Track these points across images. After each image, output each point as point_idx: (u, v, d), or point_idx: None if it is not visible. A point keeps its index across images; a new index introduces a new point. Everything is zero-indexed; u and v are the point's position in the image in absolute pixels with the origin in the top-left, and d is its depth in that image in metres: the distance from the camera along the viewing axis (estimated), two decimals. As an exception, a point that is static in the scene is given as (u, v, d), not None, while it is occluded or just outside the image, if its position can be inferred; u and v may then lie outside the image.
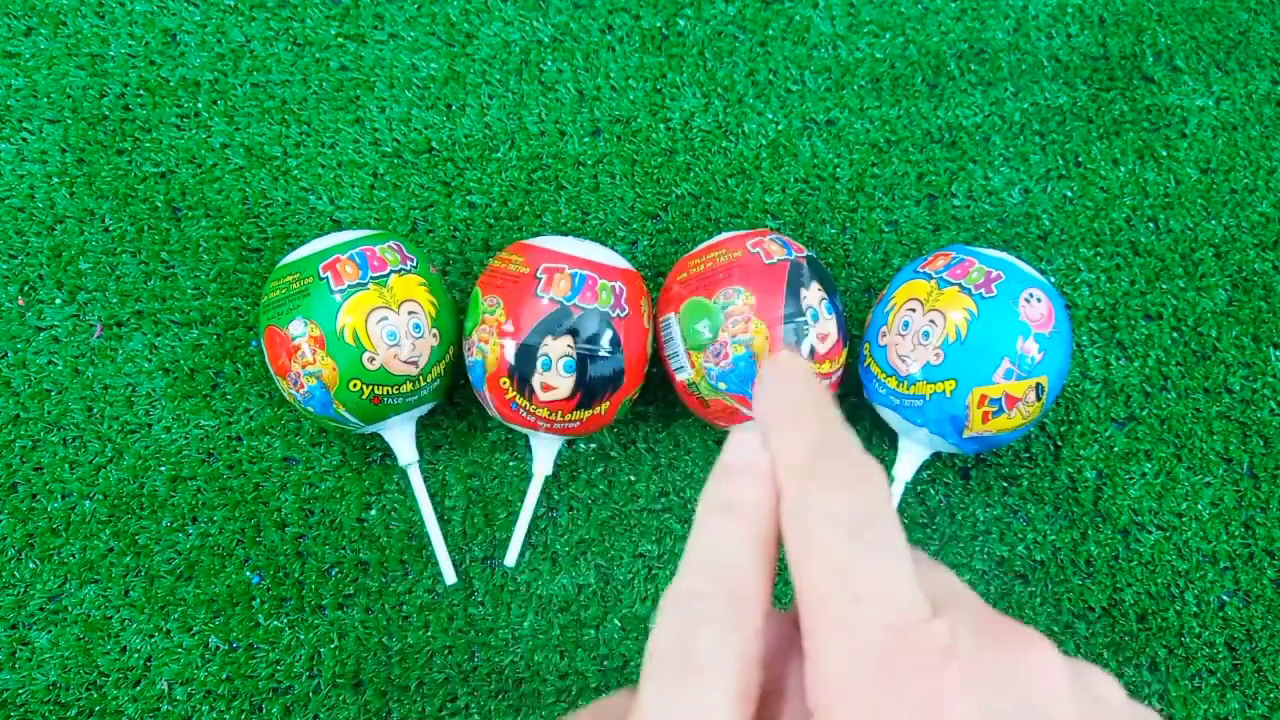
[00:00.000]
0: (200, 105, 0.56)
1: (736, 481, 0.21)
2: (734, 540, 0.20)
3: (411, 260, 0.48)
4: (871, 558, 0.18)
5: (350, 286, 0.46)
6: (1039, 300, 0.46)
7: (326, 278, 0.46)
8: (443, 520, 0.52)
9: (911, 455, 0.49)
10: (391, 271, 0.47)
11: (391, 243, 0.48)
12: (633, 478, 0.53)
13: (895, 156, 0.57)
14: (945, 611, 0.18)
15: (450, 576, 0.51)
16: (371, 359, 0.45)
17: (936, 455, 0.53)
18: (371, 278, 0.46)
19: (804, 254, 0.48)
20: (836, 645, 0.17)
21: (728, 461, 0.21)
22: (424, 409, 0.50)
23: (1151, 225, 0.56)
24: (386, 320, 0.46)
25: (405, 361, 0.46)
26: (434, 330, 0.47)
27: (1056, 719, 0.17)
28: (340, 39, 0.58)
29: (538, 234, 0.55)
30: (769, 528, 0.20)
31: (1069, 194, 0.57)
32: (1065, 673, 0.17)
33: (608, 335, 0.46)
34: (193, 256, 0.55)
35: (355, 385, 0.46)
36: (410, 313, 0.47)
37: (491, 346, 0.46)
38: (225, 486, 0.52)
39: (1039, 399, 0.46)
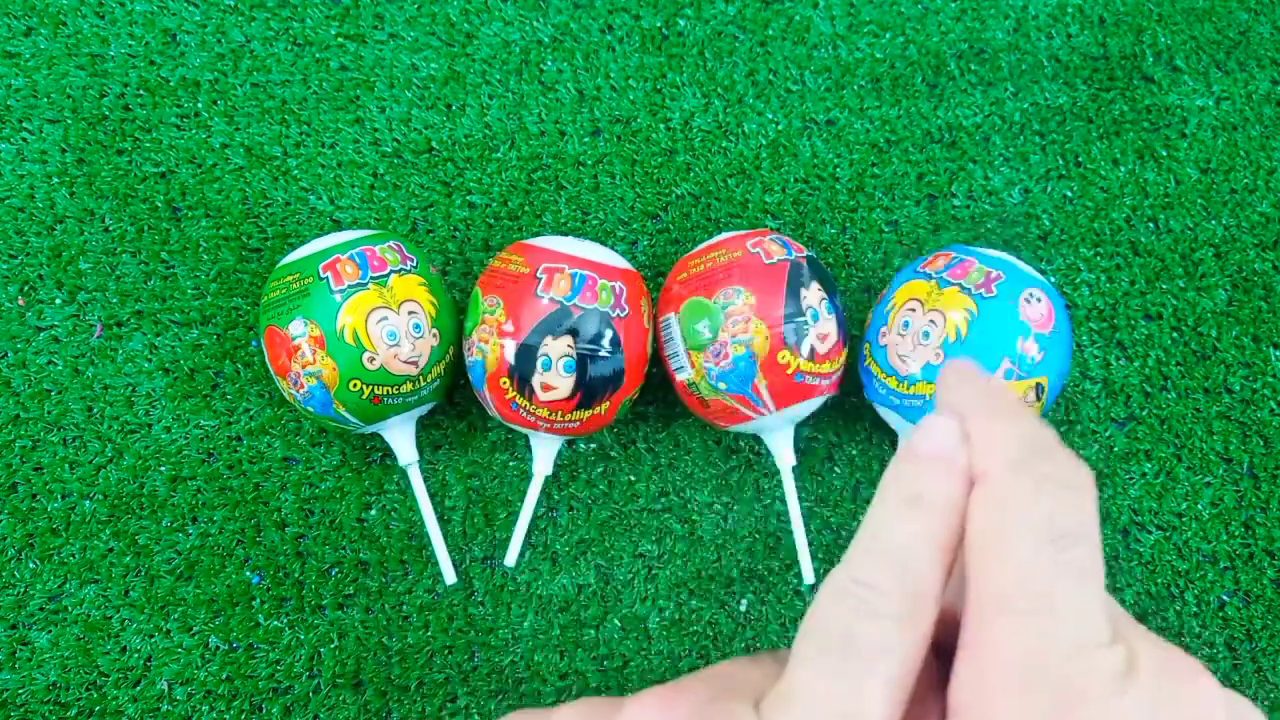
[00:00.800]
0: (200, 105, 0.56)
1: (928, 472, 0.19)
2: (919, 536, 0.19)
3: (411, 260, 0.48)
4: (1068, 575, 0.17)
5: (350, 286, 0.46)
6: (1039, 300, 0.46)
7: (326, 278, 0.46)
8: (443, 520, 0.52)
9: (911, 455, 0.49)
10: (391, 271, 0.47)
11: (391, 243, 0.48)
12: (633, 478, 0.53)
13: (895, 156, 0.57)
14: (1123, 638, 0.17)
15: (450, 576, 0.51)
16: (371, 359, 0.45)
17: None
18: (371, 278, 0.46)
19: (804, 254, 0.48)
20: (1007, 654, 0.16)
21: (920, 448, 0.20)
22: (424, 409, 0.50)
23: (1151, 225, 0.56)
24: (386, 320, 0.46)
25: (405, 361, 0.46)
26: (434, 330, 0.47)
27: None
28: (340, 39, 0.58)
29: (538, 234, 0.55)
30: (957, 526, 0.19)
31: (1069, 194, 0.57)
32: (1225, 706, 0.17)
33: (608, 335, 0.46)
34: (193, 256, 0.55)
35: (355, 385, 0.46)
36: (410, 313, 0.47)
37: (491, 346, 0.46)
38: (225, 486, 0.52)
39: (1039, 399, 0.46)
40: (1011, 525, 0.17)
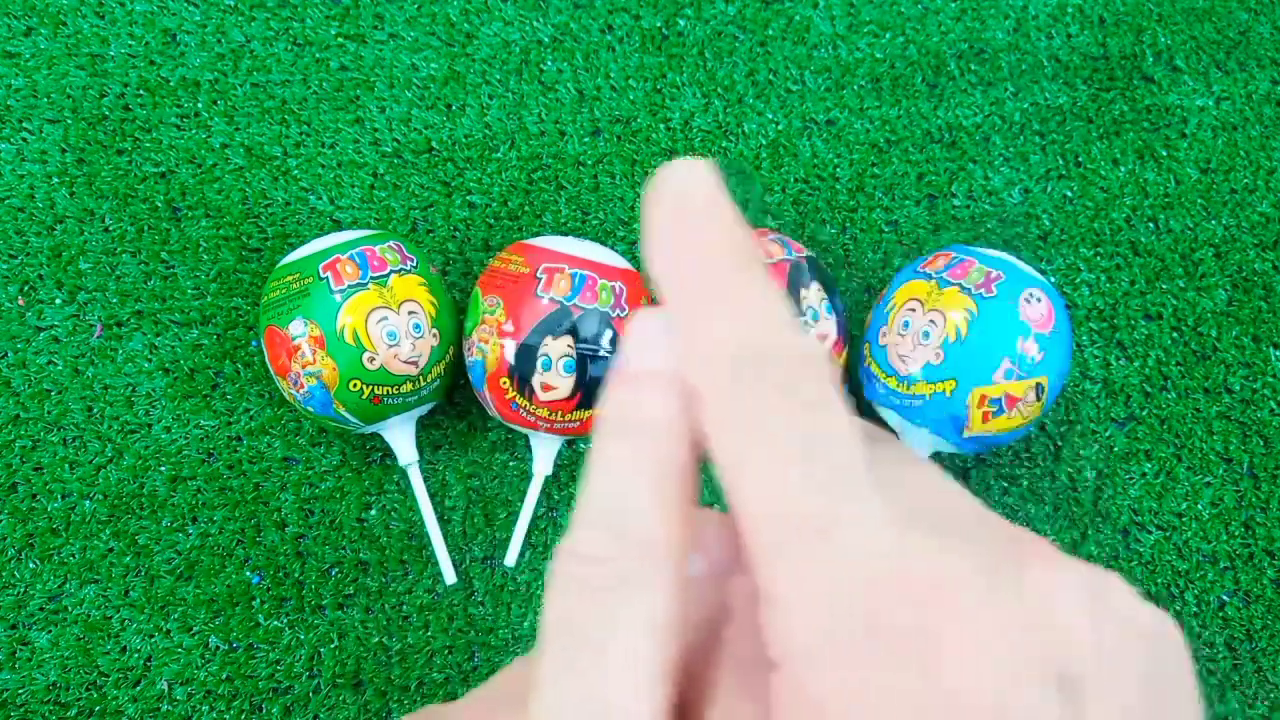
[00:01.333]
0: (200, 105, 0.56)
1: (635, 393, 0.16)
2: (634, 474, 0.15)
3: (411, 260, 0.48)
4: (829, 489, 0.14)
5: (350, 286, 0.46)
6: (1039, 300, 0.46)
7: (326, 278, 0.46)
8: (443, 520, 0.52)
9: (911, 455, 0.49)
10: (391, 271, 0.47)
11: (391, 243, 0.48)
12: (633, 478, 0.53)
13: (895, 156, 0.57)
14: (938, 533, 0.14)
15: (450, 576, 0.51)
16: (371, 359, 0.45)
17: (936, 455, 0.53)
18: (371, 278, 0.46)
19: (804, 254, 0.48)
20: (805, 588, 0.14)
21: (626, 364, 0.16)
22: (424, 409, 0.50)
23: (1151, 225, 0.56)
24: (386, 320, 0.46)
25: (405, 361, 0.46)
26: (434, 330, 0.47)
27: (1077, 649, 0.14)
28: (340, 39, 0.58)
29: (538, 234, 0.55)
30: (680, 448, 0.16)
31: (1069, 194, 0.57)
32: (1083, 591, 0.15)
33: (608, 335, 0.46)
34: (193, 256, 0.55)
35: (355, 385, 0.46)
36: (410, 313, 0.47)
37: (491, 346, 0.46)
38: (225, 486, 0.52)
39: (1039, 399, 0.46)
40: (750, 446, 0.15)
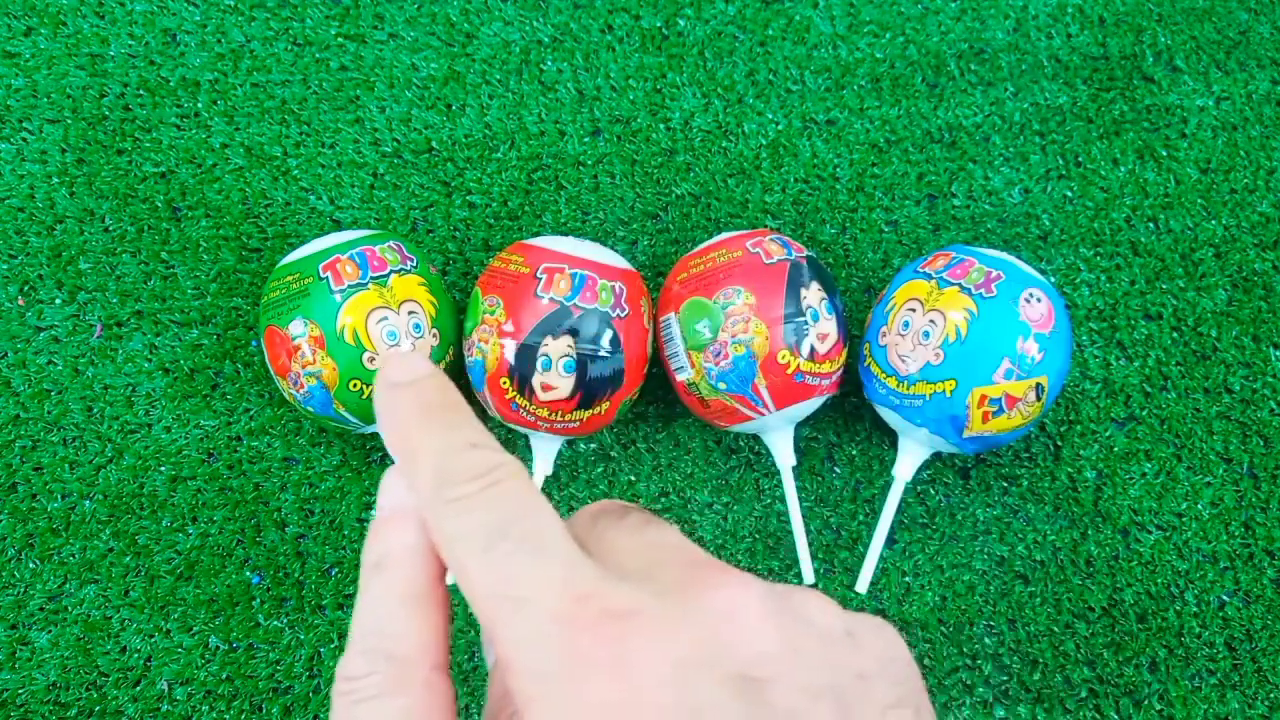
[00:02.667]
0: (200, 105, 0.56)
1: (382, 532, 0.20)
2: (387, 599, 0.19)
3: (411, 260, 0.48)
4: (515, 561, 0.17)
5: (350, 286, 0.46)
6: (1039, 300, 0.46)
7: (326, 278, 0.46)
8: (443, 520, 0.52)
9: (911, 455, 0.49)
10: (391, 271, 0.47)
11: (391, 243, 0.48)
12: (633, 478, 0.53)
13: (895, 156, 0.57)
14: (624, 575, 0.18)
15: (451, 576, 0.51)
16: (372, 359, 0.45)
17: (936, 455, 0.53)
18: (371, 278, 0.46)
19: (804, 254, 0.48)
20: (517, 646, 0.17)
21: (380, 512, 0.20)
22: (424, 409, 0.50)
23: (1151, 225, 0.56)
24: (386, 320, 0.46)
25: (405, 361, 0.46)
26: (434, 330, 0.47)
27: (753, 651, 0.17)
28: (340, 39, 0.58)
29: (538, 234, 0.55)
30: (426, 573, 0.19)
31: (1069, 194, 0.57)
32: (759, 604, 0.17)
33: (608, 335, 0.46)
34: (193, 256, 0.55)
35: (355, 385, 0.46)
36: (410, 313, 0.47)
37: (491, 346, 0.46)
38: (225, 486, 0.52)
39: (1039, 399, 0.46)
40: (457, 553, 0.18)
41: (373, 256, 0.47)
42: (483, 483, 0.18)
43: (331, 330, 0.45)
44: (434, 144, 0.57)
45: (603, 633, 0.16)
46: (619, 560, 0.19)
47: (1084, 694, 0.50)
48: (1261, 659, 0.50)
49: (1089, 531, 0.52)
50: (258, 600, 0.51)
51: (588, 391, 0.46)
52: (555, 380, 0.46)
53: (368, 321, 0.45)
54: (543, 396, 0.46)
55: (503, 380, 0.46)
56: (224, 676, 0.50)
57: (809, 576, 0.51)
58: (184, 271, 0.54)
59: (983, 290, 0.45)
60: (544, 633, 0.17)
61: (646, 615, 0.17)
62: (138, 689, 0.49)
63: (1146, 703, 0.50)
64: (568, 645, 0.16)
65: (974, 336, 0.45)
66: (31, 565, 0.51)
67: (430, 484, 0.19)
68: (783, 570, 0.52)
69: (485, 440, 0.19)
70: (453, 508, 0.18)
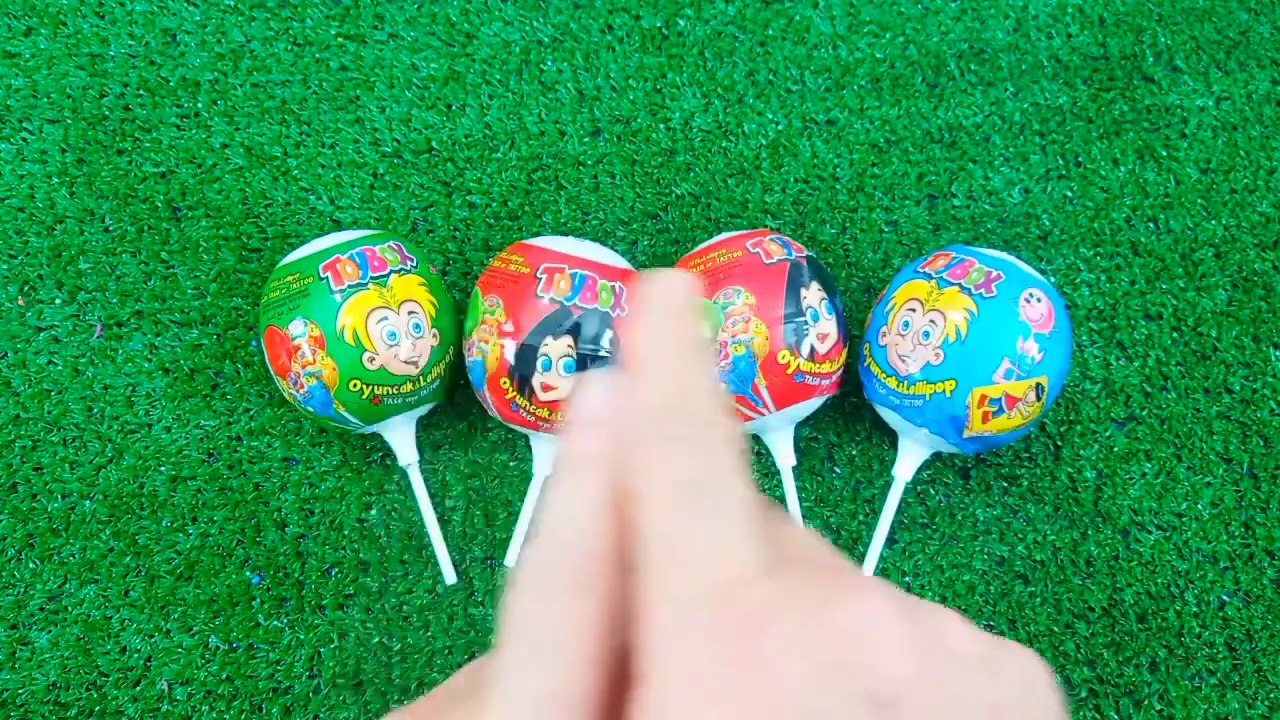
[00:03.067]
0: (200, 105, 0.56)
1: (583, 435, 0.20)
2: (580, 499, 0.19)
3: (411, 260, 0.48)
4: (703, 521, 0.18)
5: (350, 286, 0.46)
6: (1039, 300, 0.46)
7: (326, 278, 0.46)
8: (443, 520, 0.52)
9: (911, 455, 0.49)
10: (391, 271, 0.47)
11: (391, 243, 0.48)
12: (633, 478, 0.53)
13: (895, 156, 0.57)
14: (777, 571, 0.18)
15: (450, 576, 0.51)
16: (371, 359, 0.45)
17: (936, 455, 0.53)
18: (371, 278, 0.46)
19: (804, 254, 0.48)
20: (661, 607, 0.17)
21: (574, 414, 0.20)
22: (424, 409, 0.50)
23: (1151, 225, 0.56)
24: (386, 320, 0.46)
25: (405, 361, 0.46)
26: (434, 330, 0.47)
27: (888, 673, 0.17)
28: (340, 39, 0.58)
29: (538, 234, 0.55)
30: (611, 478, 0.19)
31: (1069, 194, 0.57)
32: (898, 623, 0.17)
33: (608, 335, 0.46)
34: (193, 256, 0.55)
35: (355, 385, 0.46)
36: (410, 313, 0.47)
37: (491, 346, 0.46)
38: (225, 486, 0.52)
39: (1039, 399, 0.46)
40: (651, 485, 0.18)
41: (373, 256, 0.47)
42: (705, 431, 0.19)
43: (331, 330, 0.45)
44: (434, 144, 0.57)
45: (749, 624, 0.16)
46: (776, 553, 0.19)
47: (1084, 694, 0.50)
48: (1261, 659, 0.50)
49: (1089, 531, 0.52)
50: (258, 600, 0.51)
51: (588, 391, 0.46)
52: (555, 380, 0.46)
53: (368, 321, 0.45)
54: (543, 396, 0.46)
55: (503, 380, 0.46)
56: (224, 676, 0.50)
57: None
58: (184, 271, 0.54)
59: (983, 290, 0.45)
60: (692, 606, 0.17)
61: (792, 616, 0.17)
62: (138, 689, 0.49)
63: (1146, 703, 0.50)
64: (711, 628, 0.16)
65: (974, 336, 0.45)
66: (31, 565, 0.51)
67: (658, 408, 0.19)
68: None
69: (721, 394, 0.20)
70: (668, 442, 0.18)
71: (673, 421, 0.19)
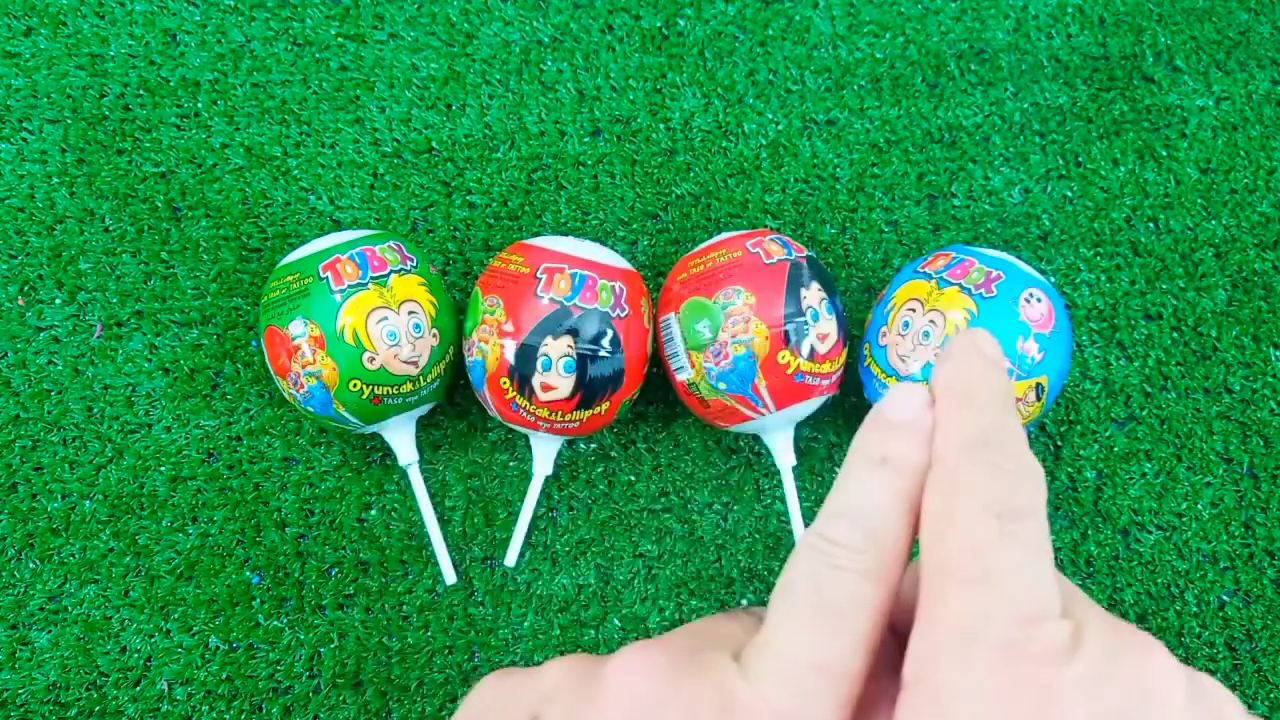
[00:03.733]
0: (200, 105, 0.56)
1: (895, 436, 0.20)
2: (886, 494, 0.20)
3: (411, 260, 0.48)
4: (1015, 548, 0.18)
5: (350, 286, 0.46)
6: (1039, 300, 0.46)
7: (326, 278, 0.46)
8: (443, 520, 0.52)
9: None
10: (391, 271, 0.47)
11: (391, 243, 0.48)
12: (633, 478, 0.53)
13: (895, 156, 0.57)
14: (1074, 614, 0.18)
15: (450, 576, 0.51)
16: (371, 359, 0.45)
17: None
18: (371, 278, 0.46)
19: (804, 254, 0.48)
20: (955, 622, 0.17)
21: (887, 414, 0.21)
22: (424, 409, 0.50)
23: (1151, 225, 0.56)
24: (386, 320, 0.46)
25: (405, 361, 0.46)
26: (434, 330, 0.47)
27: None
28: (340, 39, 0.58)
29: (538, 234, 0.55)
30: (919, 489, 0.20)
31: (1069, 194, 0.57)
32: (1183, 683, 0.17)
33: (608, 335, 0.46)
34: (193, 256, 0.55)
35: (355, 385, 0.46)
36: (410, 313, 0.47)
37: (491, 346, 0.46)
38: (225, 486, 0.52)
39: (1039, 399, 0.46)
40: (960, 502, 0.19)
41: (373, 256, 0.47)
42: (1018, 466, 0.19)
43: (331, 330, 0.45)
44: (434, 144, 0.57)
45: (1046, 660, 0.16)
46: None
47: (1084, 694, 0.50)
48: (1261, 659, 0.50)
49: (1089, 531, 0.52)
50: (258, 600, 0.51)
51: (588, 391, 0.46)
52: (555, 380, 0.46)
53: (368, 321, 0.45)
54: (543, 396, 0.46)
55: (503, 380, 0.46)
56: (224, 676, 0.50)
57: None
58: (184, 271, 0.54)
59: (983, 290, 0.45)
60: (989, 629, 0.17)
61: (1085, 661, 0.17)
62: (138, 689, 0.49)
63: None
64: (1005, 657, 0.16)
65: (974, 336, 0.45)
66: (31, 565, 0.51)
67: (980, 433, 0.19)
68: (783, 570, 0.52)
69: (1027, 446, 0.20)
70: (985, 466, 0.19)
71: (990, 450, 0.19)
